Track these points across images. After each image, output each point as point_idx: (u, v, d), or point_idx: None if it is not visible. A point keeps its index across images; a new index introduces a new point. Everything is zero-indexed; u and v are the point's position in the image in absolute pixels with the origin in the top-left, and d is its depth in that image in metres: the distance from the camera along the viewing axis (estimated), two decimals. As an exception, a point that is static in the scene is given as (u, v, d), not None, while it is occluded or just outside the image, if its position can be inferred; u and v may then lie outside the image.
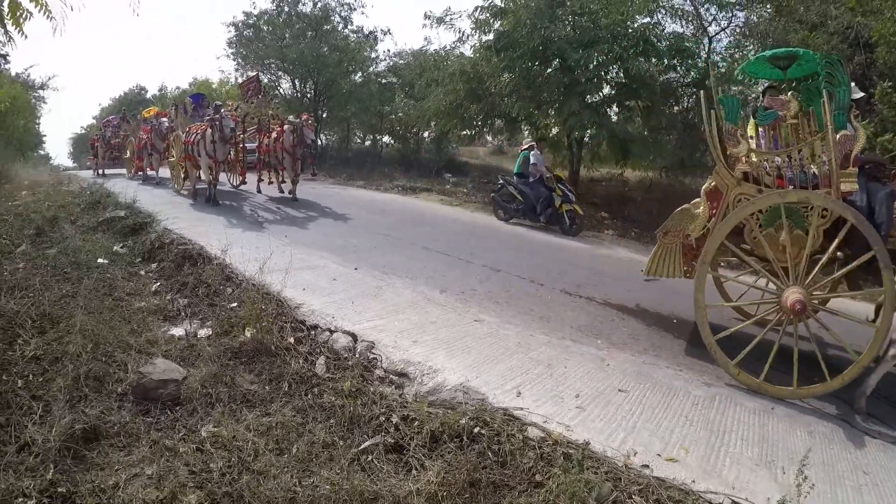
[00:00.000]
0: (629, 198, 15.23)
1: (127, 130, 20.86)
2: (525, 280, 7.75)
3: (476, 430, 3.70)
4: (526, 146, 13.09)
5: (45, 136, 41.87)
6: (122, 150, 20.71)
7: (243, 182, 15.50)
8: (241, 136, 14.97)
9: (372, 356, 4.84)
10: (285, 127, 13.41)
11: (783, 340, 4.95)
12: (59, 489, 3.24)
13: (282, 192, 14.41)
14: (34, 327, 5.24)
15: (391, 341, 5.07)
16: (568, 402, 4.16)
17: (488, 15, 14.79)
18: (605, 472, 3.37)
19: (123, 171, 20.10)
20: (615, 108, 15.10)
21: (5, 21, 4.16)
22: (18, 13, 4.05)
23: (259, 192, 14.82)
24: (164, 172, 16.67)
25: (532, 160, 12.30)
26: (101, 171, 21.05)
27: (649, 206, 13.82)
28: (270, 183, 14.90)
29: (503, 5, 14.60)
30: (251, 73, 20.60)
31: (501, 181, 12.88)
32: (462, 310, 6.16)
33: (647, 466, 3.48)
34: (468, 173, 17.90)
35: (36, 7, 4.17)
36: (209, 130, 11.96)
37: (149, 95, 47.23)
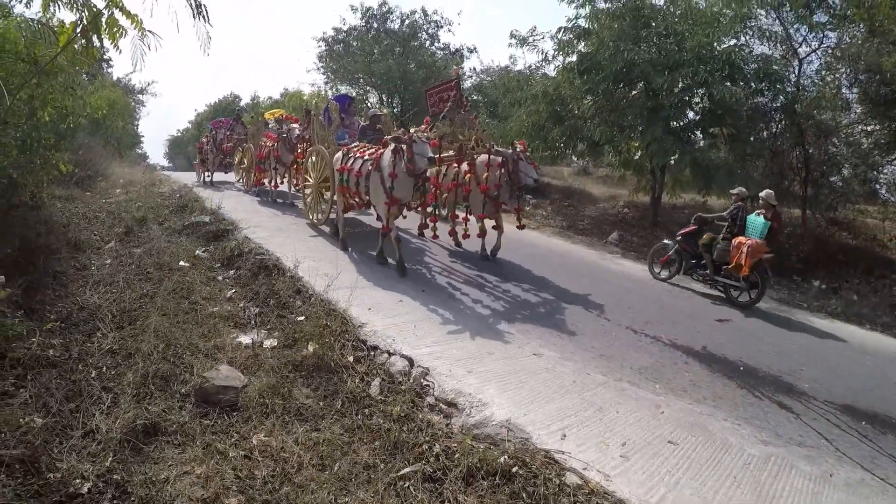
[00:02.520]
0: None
1: (241, 133, 18.79)
2: (592, 313, 7.66)
3: (514, 469, 3.70)
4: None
5: (142, 136, 44.55)
6: (233, 156, 18.65)
7: (434, 234, 10.48)
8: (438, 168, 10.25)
9: (425, 383, 4.94)
10: (488, 159, 9.33)
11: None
12: (115, 476, 3.49)
13: (458, 244, 10.64)
14: (113, 322, 5.69)
15: (446, 369, 5.16)
16: (613, 450, 4.13)
17: (571, 36, 14.69)
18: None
19: (232, 177, 19.06)
20: (699, 135, 14.66)
21: (102, 36, 4.41)
22: (115, 29, 4.30)
23: (421, 235, 10.76)
24: (280, 187, 15.35)
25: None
26: (208, 178, 19.66)
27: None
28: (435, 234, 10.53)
29: (587, 26, 14.46)
30: (450, 76, 14.28)
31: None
32: (522, 341, 6.14)
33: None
34: (548, 195, 17.68)
35: (132, 25, 4.36)
36: (389, 158, 8.33)
37: (242, 104, 49.20)
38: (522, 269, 9.52)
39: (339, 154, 9.76)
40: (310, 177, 11.40)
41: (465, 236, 10.04)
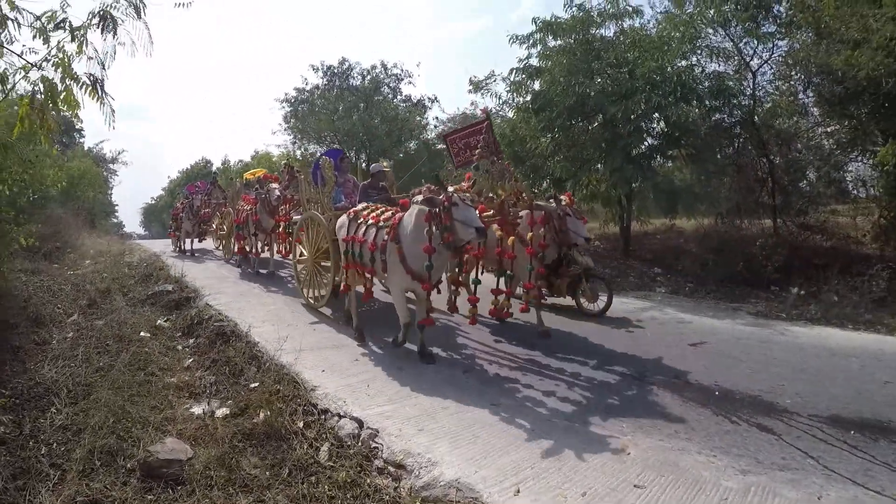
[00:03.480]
0: (683, 250, 14.59)
1: (219, 197, 18.10)
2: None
3: (460, 533, 3.46)
4: None
5: (117, 205, 45.17)
6: (211, 221, 17.92)
7: (473, 320, 7.71)
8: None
9: (374, 445, 4.69)
10: (531, 215, 7.90)
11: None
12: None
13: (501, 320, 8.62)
14: (69, 397, 5.76)
15: (396, 429, 4.92)
16: (571, 502, 3.88)
17: (524, 76, 14.81)
18: None
19: (212, 245, 18.48)
20: (659, 159, 14.67)
21: (61, 108, 4.59)
22: (72, 101, 4.57)
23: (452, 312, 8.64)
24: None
25: None
26: (186, 247, 18.67)
27: (703, 258, 13.17)
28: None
29: (539, 64, 14.61)
30: (479, 114, 13.74)
31: None
32: (480, 390, 5.94)
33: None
34: None
35: (92, 97, 4.68)
36: (415, 225, 6.57)
37: (213, 168, 49.69)
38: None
39: (343, 220, 7.90)
40: (303, 249, 9.60)
41: (507, 315, 8.27)
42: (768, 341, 7.89)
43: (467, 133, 9.88)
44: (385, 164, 10.66)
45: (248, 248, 14.17)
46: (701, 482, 4.13)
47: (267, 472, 4.44)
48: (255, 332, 7.63)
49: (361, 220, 7.50)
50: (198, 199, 18.32)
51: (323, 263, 9.24)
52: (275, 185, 12.65)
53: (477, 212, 6.66)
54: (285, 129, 30.50)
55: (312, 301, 9.43)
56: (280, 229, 12.77)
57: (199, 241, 19.02)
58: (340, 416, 5.23)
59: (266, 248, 13.83)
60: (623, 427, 5.13)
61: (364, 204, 8.13)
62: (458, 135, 10.11)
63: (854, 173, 13.90)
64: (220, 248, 17.04)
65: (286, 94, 30.07)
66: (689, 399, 5.79)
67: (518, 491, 3.94)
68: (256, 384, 5.96)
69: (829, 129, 13.71)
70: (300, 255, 9.81)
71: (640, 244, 15.54)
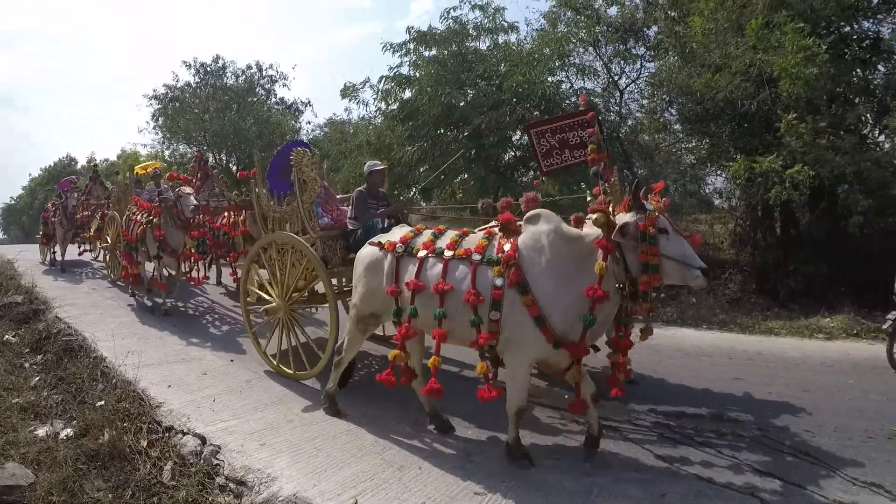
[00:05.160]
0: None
1: (100, 197, 14.92)
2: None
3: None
4: None
5: None
6: (89, 226, 14.54)
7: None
8: None
9: (216, 462, 4.58)
10: None
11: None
12: None
13: None
14: None
15: (238, 445, 4.82)
16: (410, 514, 3.94)
17: (393, 84, 14.88)
18: None
19: (90, 257, 15.76)
20: (523, 170, 15.00)
21: None
22: None
23: None
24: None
25: None
26: (57, 258, 15.08)
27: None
28: None
29: (409, 73, 14.77)
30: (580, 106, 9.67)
31: None
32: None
33: None
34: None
35: None
36: (566, 258, 4.35)
37: (78, 166, 46.72)
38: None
39: (379, 254, 5.15)
40: (266, 289, 6.84)
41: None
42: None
43: (562, 127, 6.83)
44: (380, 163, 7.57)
45: (144, 274, 10.74)
46: (544, 486, 4.21)
47: (110, 495, 4.29)
48: (104, 346, 7.26)
49: (425, 252, 4.81)
50: (73, 199, 14.46)
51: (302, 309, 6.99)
52: (188, 190, 9.44)
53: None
54: (154, 128, 28.89)
55: (289, 370, 6.57)
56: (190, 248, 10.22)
57: (80, 252, 15.77)
58: (184, 434, 5.08)
59: (171, 272, 10.49)
60: (468, 433, 5.18)
61: (402, 227, 5.57)
62: (547, 127, 6.91)
63: (712, 186, 14.82)
64: (99, 258, 14.33)
65: (155, 91, 28.39)
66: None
67: (356, 503, 3.98)
68: (102, 402, 5.72)
69: (689, 146, 14.62)
70: (258, 298, 6.98)
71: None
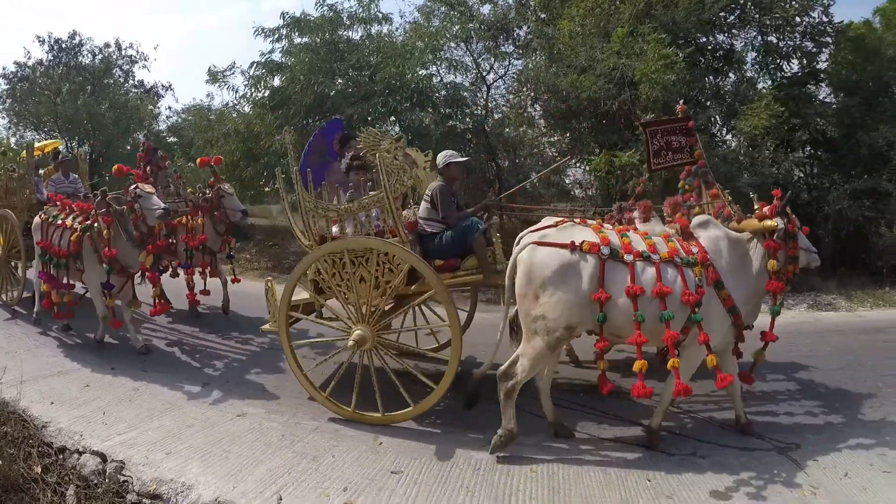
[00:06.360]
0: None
1: None
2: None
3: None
4: None
5: None
6: None
7: None
8: None
9: (123, 478, 4.36)
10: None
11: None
12: None
13: None
14: None
15: (143, 457, 4.61)
16: (335, 499, 3.96)
17: (264, 71, 14.60)
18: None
19: None
20: None
21: None
22: None
23: None
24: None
25: None
26: None
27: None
28: None
29: (282, 60, 14.51)
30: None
31: None
32: (224, 406, 5.74)
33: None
34: (252, 236, 17.20)
35: None
36: (743, 256, 5.00)
37: None
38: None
39: (572, 258, 4.65)
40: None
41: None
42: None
43: (670, 129, 7.07)
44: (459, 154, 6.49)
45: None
46: (454, 457, 4.50)
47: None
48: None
49: (631, 256, 4.63)
50: None
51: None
52: (148, 188, 7.13)
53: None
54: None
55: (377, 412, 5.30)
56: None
57: None
58: (80, 453, 4.76)
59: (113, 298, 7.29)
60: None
61: (569, 222, 5.04)
62: (660, 127, 7.13)
63: (573, 177, 15.94)
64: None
65: (4, 68, 25.27)
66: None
67: (280, 498, 3.96)
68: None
69: (552, 140, 15.56)
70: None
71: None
